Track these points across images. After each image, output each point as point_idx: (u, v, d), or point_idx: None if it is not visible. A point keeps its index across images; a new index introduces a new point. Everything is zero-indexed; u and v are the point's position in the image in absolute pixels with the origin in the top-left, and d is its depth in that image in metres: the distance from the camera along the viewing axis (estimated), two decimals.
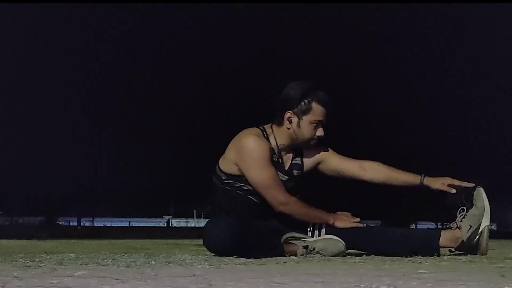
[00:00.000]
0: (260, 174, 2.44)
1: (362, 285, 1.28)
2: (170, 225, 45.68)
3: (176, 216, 48.62)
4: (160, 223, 47.46)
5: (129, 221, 45.27)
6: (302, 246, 2.42)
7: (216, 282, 1.34)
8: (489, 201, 2.44)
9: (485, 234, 2.41)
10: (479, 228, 2.42)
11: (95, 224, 42.32)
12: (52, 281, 1.34)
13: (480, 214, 2.43)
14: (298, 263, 2.03)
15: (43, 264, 1.84)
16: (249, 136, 2.48)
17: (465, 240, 2.42)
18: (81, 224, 42.87)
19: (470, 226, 2.43)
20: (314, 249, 2.41)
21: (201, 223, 40.45)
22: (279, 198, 2.45)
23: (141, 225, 41.26)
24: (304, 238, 2.48)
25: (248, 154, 2.44)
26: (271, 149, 2.50)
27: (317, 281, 1.38)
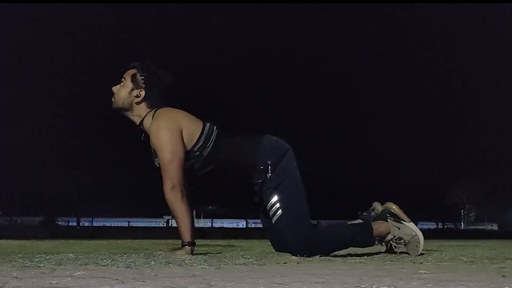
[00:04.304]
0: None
1: (362, 286, 1.28)
2: (169, 225, 45.60)
3: None
4: (160, 223, 47.42)
5: (129, 221, 45.23)
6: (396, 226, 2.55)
7: (216, 283, 1.33)
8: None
9: None
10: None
11: (95, 224, 42.32)
12: (51, 282, 1.34)
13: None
14: (298, 263, 2.03)
15: (42, 265, 1.83)
16: None
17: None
18: (80, 224, 42.88)
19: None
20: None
21: (201, 223, 40.47)
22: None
23: (140, 225, 41.27)
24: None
25: None
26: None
27: (317, 281, 1.38)
